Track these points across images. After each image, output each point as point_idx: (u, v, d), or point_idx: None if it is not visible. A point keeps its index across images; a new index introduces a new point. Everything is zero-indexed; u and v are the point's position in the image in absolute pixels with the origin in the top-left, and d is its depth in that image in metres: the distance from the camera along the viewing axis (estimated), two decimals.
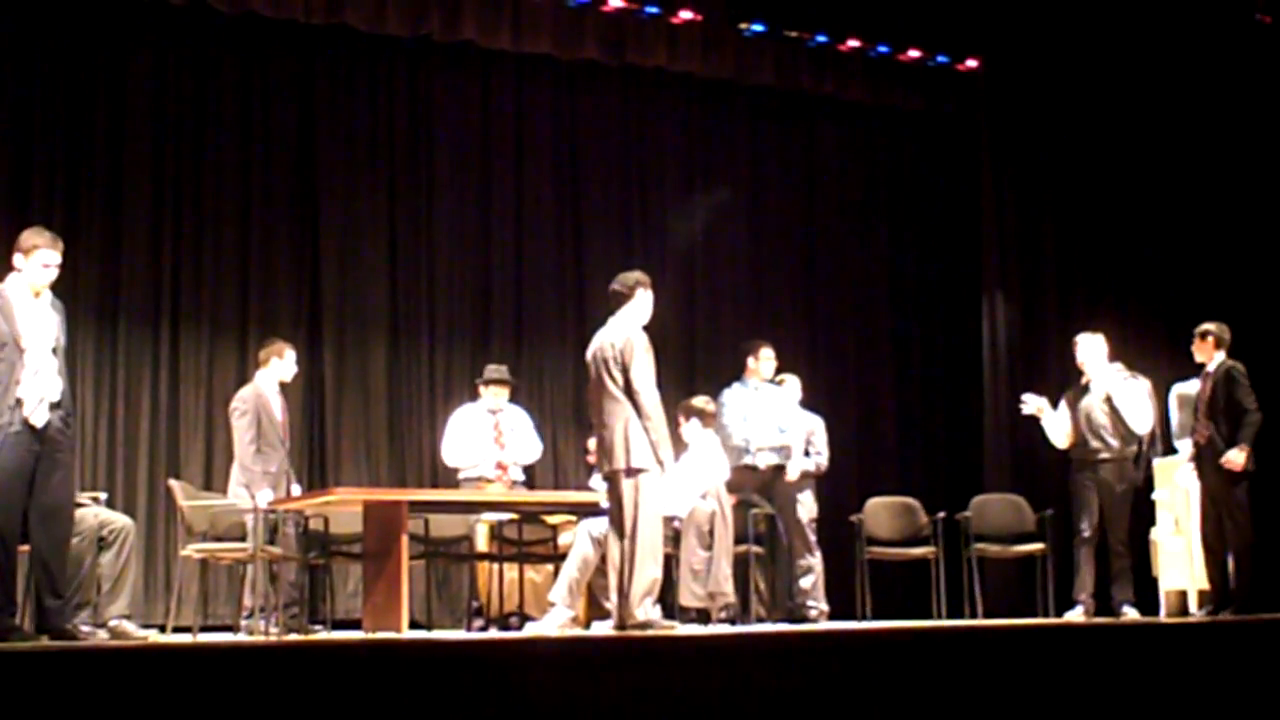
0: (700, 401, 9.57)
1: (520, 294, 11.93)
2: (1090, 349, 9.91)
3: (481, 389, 10.27)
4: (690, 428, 9.40)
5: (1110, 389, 9.75)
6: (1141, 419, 9.73)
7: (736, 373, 10.33)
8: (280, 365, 9.60)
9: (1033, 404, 9.95)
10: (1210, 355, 9.47)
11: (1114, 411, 9.73)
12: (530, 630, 8.61)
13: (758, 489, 9.86)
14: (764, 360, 10.24)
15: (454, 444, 10.13)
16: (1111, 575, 9.70)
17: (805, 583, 10.10)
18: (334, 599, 10.15)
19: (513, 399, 10.35)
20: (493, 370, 10.37)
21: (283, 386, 9.64)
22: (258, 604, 8.89)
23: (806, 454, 10.43)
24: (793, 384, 10.51)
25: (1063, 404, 9.93)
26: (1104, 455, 9.73)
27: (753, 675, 5.51)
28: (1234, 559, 9.29)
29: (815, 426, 10.42)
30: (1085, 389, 9.86)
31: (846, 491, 11.24)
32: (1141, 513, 10.10)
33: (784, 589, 9.94)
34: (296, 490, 9.49)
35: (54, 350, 7.16)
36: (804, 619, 9.81)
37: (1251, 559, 9.24)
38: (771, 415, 10.05)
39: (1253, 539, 9.27)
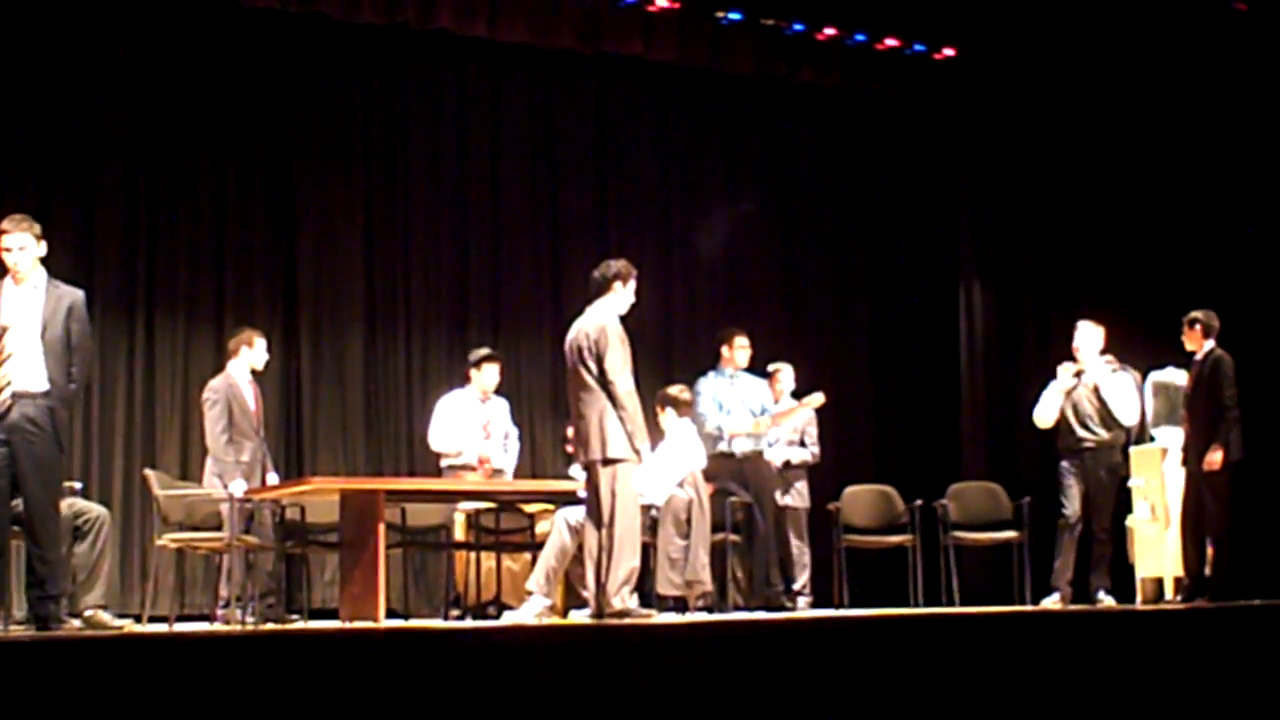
0: (676, 390, 9.57)
1: (497, 282, 11.92)
2: (1087, 336, 9.90)
3: (473, 372, 10.05)
4: (667, 416, 9.41)
5: (1099, 379, 9.77)
6: (1128, 410, 9.76)
7: (714, 361, 10.32)
8: (250, 354, 9.53)
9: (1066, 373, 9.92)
10: (1199, 343, 9.49)
11: (1101, 402, 9.74)
12: (508, 619, 8.61)
13: (734, 477, 9.87)
14: (738, 349, 10.24)
15: (442, 430, 9.98)
16: (1091, 562, 9.74)
17: (801, 580, 10.18)
18: (311, 588, 10.13)
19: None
20: (481, 349, 10.24)
21: (256, 375, 9.60)
22: (234, 593, 8.88)
23: (803, 444, 10.46)
24: (787, 374, 10.57)
25: (1054, 384, 9.92)
26: (1089, 444, 9.76)
27: (730, 663, 5.51)
28: (1213, 545, 9.34)
29: (808, 416, 10.47)
30: (1082, 375, 9.86)
31: (824, 480, 11.24)
32: (1118, 500, 10.14)
33: (761, 577, 9.94)
34: (273, 479, 9.45)
35: (42, 337, 7.06)
36: (781, 607, 9.82)
37: (1230, 546, 9.28)
38: (748, 403, 10.05)
39: (1232, 526, 9.32)
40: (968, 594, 10.32)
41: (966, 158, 12.94)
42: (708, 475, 9.33)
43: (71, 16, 10.59)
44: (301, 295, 11.19)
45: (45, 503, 7.18)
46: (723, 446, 9.86)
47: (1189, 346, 9.56)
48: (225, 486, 8.96)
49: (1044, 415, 9.94)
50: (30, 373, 7.03)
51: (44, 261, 7.29)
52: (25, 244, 7.12)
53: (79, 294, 7.30)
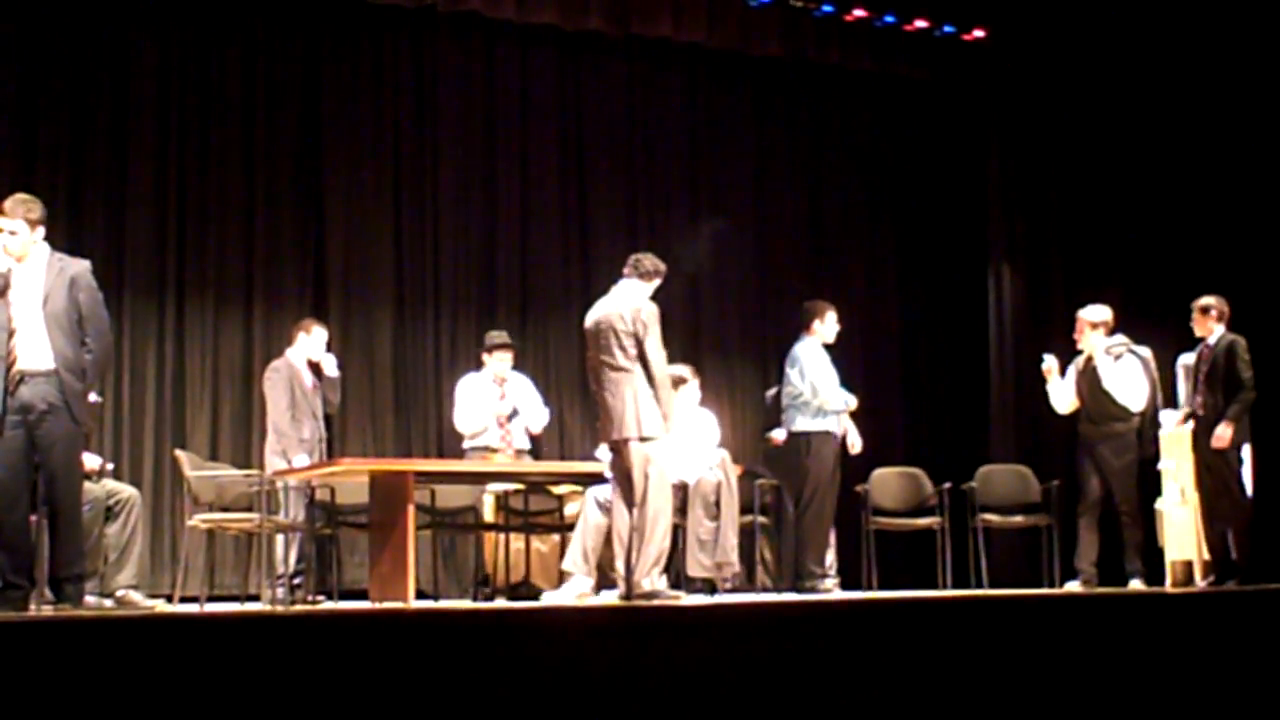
0: (685, 370, 9.44)
1: (525, 264, 11.93)
2: (1091, 319, 9.84)
3: (485, 357, 10.22)
4: (682, 397, 9.34)
5: (1100, 370, 9.70)
6: (1133, 396, 9.67)
7: (743, 344, 10.29)
8: (307, 341, 9.72)
9: (1048, 363, 9.90)
10: (1209, 329, 9.44)
11: (1103, 392, 9.67)
12: (548, 599, 8.61)
13: (836, 457, 9.67)
14: (829, 323, 9.76)
15: (464, 411, 10.12)
16: (1122, 547, 9.69)
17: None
18: (340, 569, 10.18)
19: (516, 365, 10.33)
20: (496, 336, 10.34)
21: (312, 364, 9.78)
22: (271, 572, 8.98)
23: None
24: None
25: (1071, 371, 9.90)
26: (1099, 431, 9.70)
27: (759, 645, 5.52)
28: (1231, 532, 9.29)
29: None
30: (1089, 363, 9.83)
31: (853, 462, 11.25)
32: (1147, 483, 10.10)
33: (790, 558, 9.94)
34: None
35: (43, 308, 6.98)
36: (814, 589, 9.83)
37: (1250, 530, 9.25)
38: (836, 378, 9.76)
39: (1250, 511, 9.29)
40: (996, 577, 10.32)
41: (996, 140, 12.89)
42: (824, 460, 9.36)
43: (100, 1, 10.63)
44: (330, 278, 11.23)
45: (66, 479, 7.06)
46: (830, 426, 9.61)
47: (1197, 332, 9.49)
48: (289, 462, 9.08)
49: (1058, 404, 9.93)
50: (35, 349, 6.93)
51: (75, 244, 7.28)
52: (16, 228, 7.05)
53: (83, 264, 7.18)
